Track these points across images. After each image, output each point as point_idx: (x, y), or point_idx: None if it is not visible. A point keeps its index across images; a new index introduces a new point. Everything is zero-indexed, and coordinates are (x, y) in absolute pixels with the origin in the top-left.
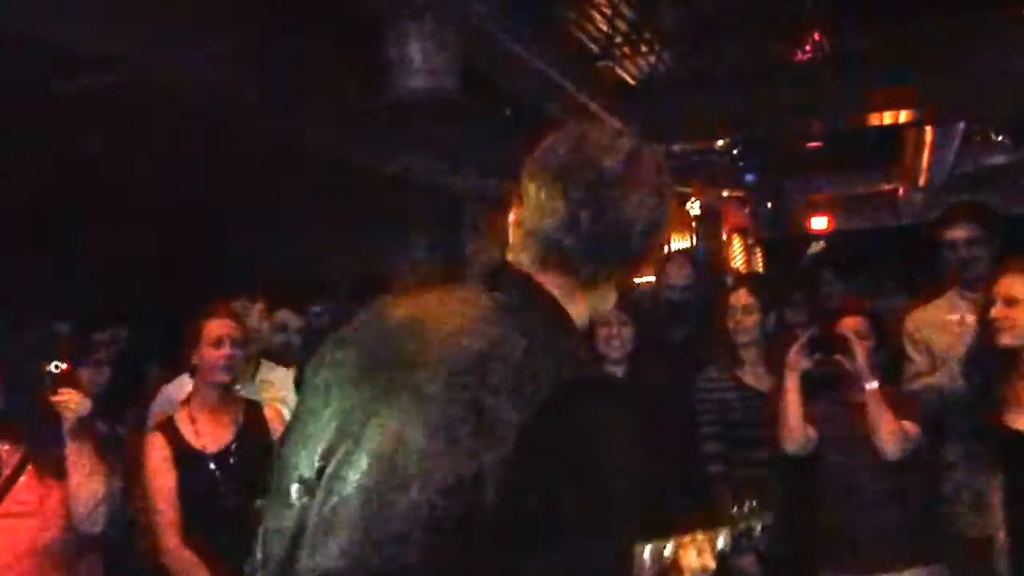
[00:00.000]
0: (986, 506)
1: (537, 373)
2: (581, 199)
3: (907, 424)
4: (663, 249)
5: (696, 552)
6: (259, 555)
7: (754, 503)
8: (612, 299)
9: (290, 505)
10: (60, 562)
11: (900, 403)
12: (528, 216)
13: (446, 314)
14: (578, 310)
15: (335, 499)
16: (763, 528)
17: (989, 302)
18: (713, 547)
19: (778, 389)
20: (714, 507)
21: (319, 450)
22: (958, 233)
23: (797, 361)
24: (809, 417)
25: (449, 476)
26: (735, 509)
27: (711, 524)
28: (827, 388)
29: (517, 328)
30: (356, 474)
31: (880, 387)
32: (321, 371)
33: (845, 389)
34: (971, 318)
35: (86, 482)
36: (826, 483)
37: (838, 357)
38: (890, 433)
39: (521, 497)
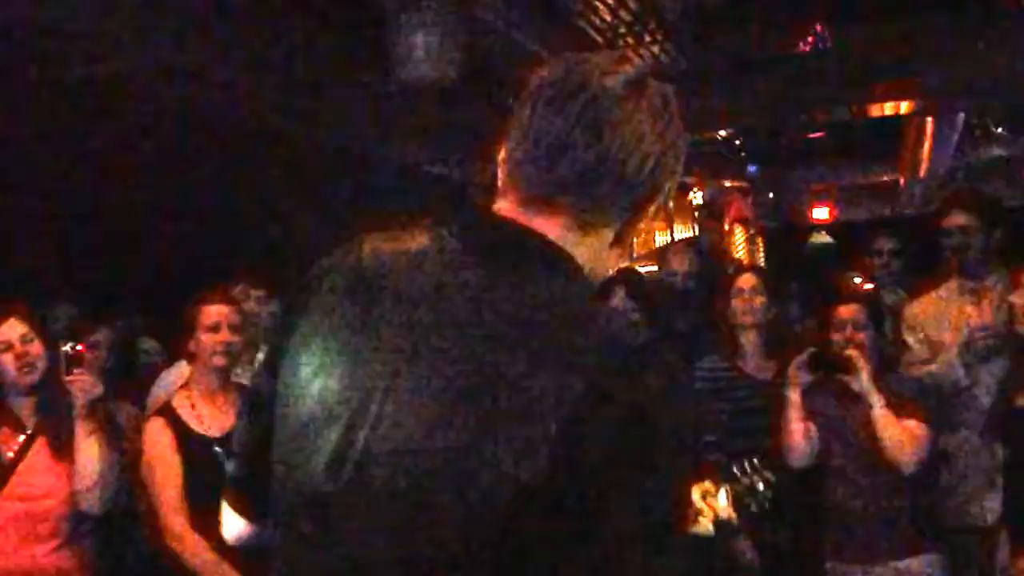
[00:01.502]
0: (989, 494)
1: (568, 346)
2: (577, 116)
3: (916, 427)
4: (666, 197)
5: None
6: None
7: (755, 461)
8: (612, 257)
9: (308, 507)
10: (62, 544)
11: (905, 405)
12: (516, 144)
13: (439, 270)
14: (597, 267)
15: (356, 504)
16: (766, 484)
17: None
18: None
19: (780, 379)
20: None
21: (328, 445)
22: (953, 221)
23: (798, 377)
24: (808, 412)
25: (485, 474)
26: (736, 469)
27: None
28: (822, 381)
29: (525, 286)
30: (378, 476)
31: (880, 380)
32: (305, 339)
33: (841, 380)
34: (970, 307)
35: (93, 464)
36: (827, 473)
37: (843, 377)
38: (906, 452)
39: (571, 489)
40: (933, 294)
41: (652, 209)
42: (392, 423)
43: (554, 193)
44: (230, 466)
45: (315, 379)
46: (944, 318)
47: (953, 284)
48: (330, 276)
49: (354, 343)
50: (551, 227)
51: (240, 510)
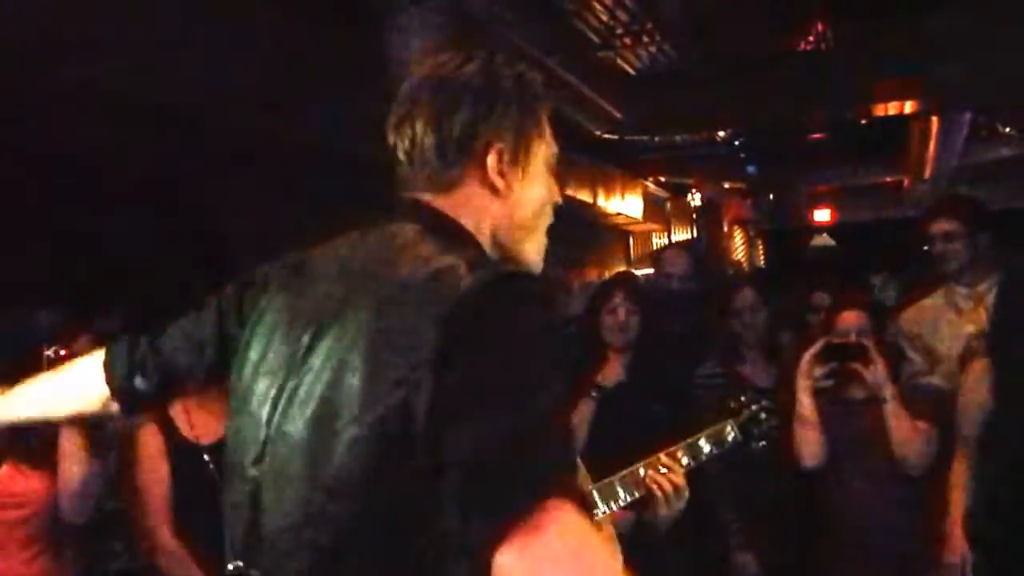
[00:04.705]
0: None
1: (448, 282)
2: (427, 102)
3: (924, 427)
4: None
5: (664, 470)
6: (227, 538)
7: (751, 391)
8: (495, 204)
9: (245, 476)
10: (41, 551)
11: (913, 403)
12: (402, 164)
13: (362, 251)
14: (481, 225)
15: (281, 454)
16: (769, 412)
17: None
18: (678, 462)
19: (781, 386)
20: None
21: (264, 414)
22: (937, 227)
23: (810, 370)
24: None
25: (379, 407)
26: (732, 402)
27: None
28: (827, 389)
29: (421, 247)
30: (297, 425)
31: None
32: (253, 331)
33: (843, 386)
34: (963, 315)
35: (79, 470)
36: (831, 486)
37: (855, 366)
38: (914, 448)
39: (447, 404)
40: (927, 302)
41: (489, 152)
42: (305, 388)
43: (428, 166)
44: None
45: (257, 368)
46: (937, 326)
47: (947, 291)
48: (272, 273)
49: (287, 336)
50: (448, 204)
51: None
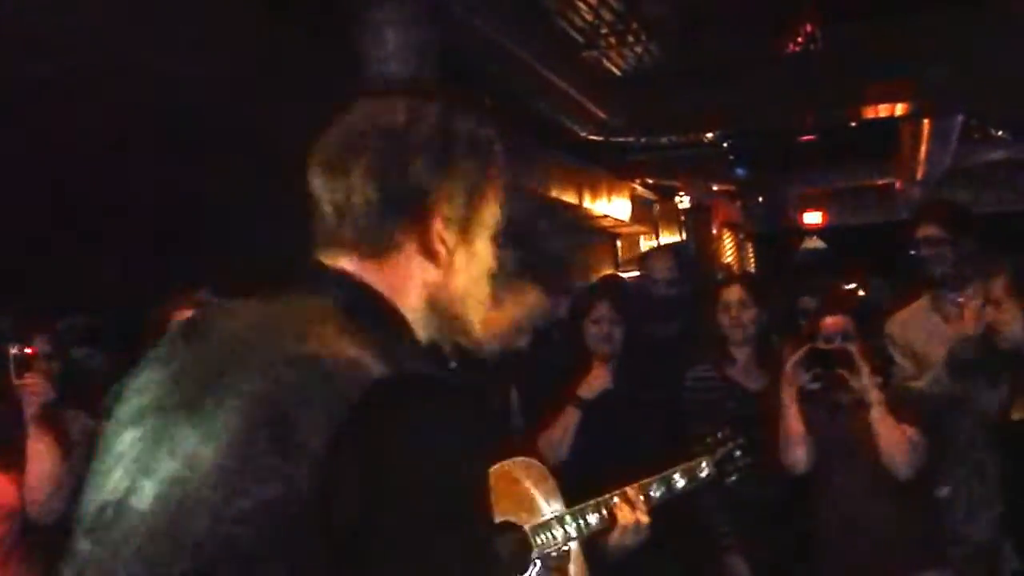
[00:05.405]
0: (983, 508)
1: (348, 374)
2: (371, 151)
3: (911, 431)
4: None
5: (628, 507)
6: None
7: (727, 429)
8: (429, 271)
9: (73, 553)
10: (10, 554)
11: (899, 408)
12: (324, 217)
13: (254, 325)
14: (412, 295)
15: (116, 536)
16: (744, 449)
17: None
18: (647, 497)
19: (772, 389)
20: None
21: (107, 486)
22: (921, 232)
23: (794, 375)
24: (806, 426)
25: (246, 500)
26: (709, 439)
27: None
28: (817, 394)
29: (327, 329)
30: (141, 506)
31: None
32: (123, 400)
33: (832, 390)
34: (950, 320)
35: (47, 470)
36: (819, 489)
37: (840, 372)
38: (902, 454)
39: (339, 512)
40: (913, 306)
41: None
42: (159, 463)
43: (357, 230)
44: None
45: (128, 421)
46: (925, 331)
47: (933, 296)
48: (150, 363)
49: (154, 408)
50: (377, 270)
51: None
